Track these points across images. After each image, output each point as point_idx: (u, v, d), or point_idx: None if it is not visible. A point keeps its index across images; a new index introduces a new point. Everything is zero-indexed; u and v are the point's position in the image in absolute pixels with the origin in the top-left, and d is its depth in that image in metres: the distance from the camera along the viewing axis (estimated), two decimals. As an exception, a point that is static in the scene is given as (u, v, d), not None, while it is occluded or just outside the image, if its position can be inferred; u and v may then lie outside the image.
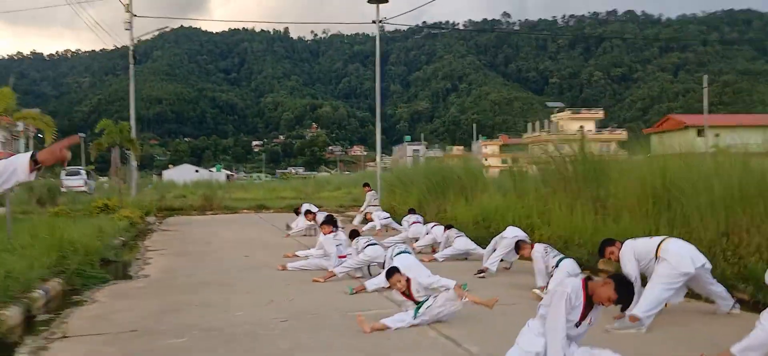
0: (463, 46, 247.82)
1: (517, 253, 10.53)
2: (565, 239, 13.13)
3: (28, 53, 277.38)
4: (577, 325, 5.67)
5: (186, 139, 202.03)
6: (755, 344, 5.67)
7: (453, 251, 13.24)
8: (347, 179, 70.26)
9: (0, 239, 12.01)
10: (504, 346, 5.78)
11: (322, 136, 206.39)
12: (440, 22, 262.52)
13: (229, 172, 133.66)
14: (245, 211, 32.90)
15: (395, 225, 19.28)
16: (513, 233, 11.08)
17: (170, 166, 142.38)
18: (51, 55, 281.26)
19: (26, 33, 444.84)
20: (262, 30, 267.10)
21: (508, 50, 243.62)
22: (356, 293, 9.59)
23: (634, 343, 6.84)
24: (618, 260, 8.27)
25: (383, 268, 10.20)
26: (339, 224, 13.25)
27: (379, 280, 9.75)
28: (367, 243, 11.11)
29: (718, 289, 7.98)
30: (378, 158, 31.93)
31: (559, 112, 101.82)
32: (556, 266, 9.49)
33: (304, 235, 19.07)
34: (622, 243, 8.23)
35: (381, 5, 29.07)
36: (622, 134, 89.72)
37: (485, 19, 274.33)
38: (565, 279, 6.03)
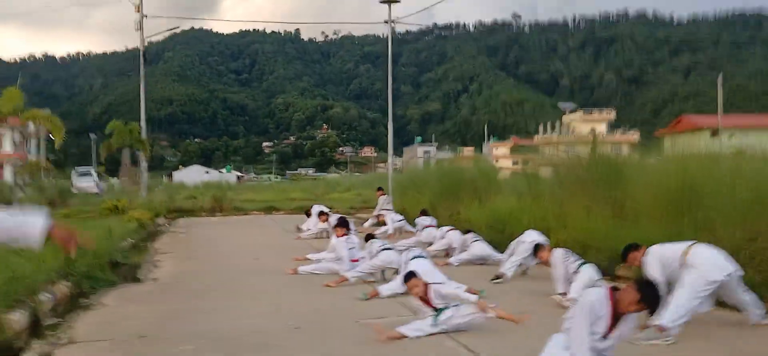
0: (474, 47, 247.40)
1: (536, 257, 10.19)
2: (583, 243, 12.77)
3: (40, 55, 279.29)
4: (605, 338, 5.40)
5: (196, 140, 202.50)
6: None
7: (469, 256, 12.92)
8: (358, 180, 70.15)
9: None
10: (526, 358, 5.50)
11: (333, 137, 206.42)
12: (451, 24, 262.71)
13: (239, 173, 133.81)
14: (255, 213, 32.69)
15: (409, 228, 19.00)
16: (532, 238, 10.77)
17: (181, 167, 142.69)
18: (63, 57, 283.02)
19: (38, 35, 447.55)
20: (273, 31, 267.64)
21: (519, 51, 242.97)
22: (370, 298, 9.33)
23: (661, 355, 6.55)
24: (641, 266, 7.97)
25: (397, 273, 9.93)
26: (351, 226, 12.99)
27: (394, 286, 9.50)
28: (382, 248, 10.83)
29: (749, 298, 7.65)
30: (390, 160, 31.65)
31: (570, 113, 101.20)
32: (577, 271, 9.20)
33: (316, 237, 18.83)
34: (646, 248, 7.92)
35: (392, 5, 28.87)
36: (634, 136, 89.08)
37: (496, 21, 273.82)
38: (589, 289, 5.73)
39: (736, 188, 10.63)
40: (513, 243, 11.28)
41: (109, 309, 9.32)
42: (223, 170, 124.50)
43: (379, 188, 24.21)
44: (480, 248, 13.00)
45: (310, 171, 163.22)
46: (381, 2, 28.25)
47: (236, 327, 7.99)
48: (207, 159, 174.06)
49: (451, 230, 14.41)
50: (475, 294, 9.19)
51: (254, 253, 15.70)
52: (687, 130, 70.68)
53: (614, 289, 5.49)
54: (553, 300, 9.02)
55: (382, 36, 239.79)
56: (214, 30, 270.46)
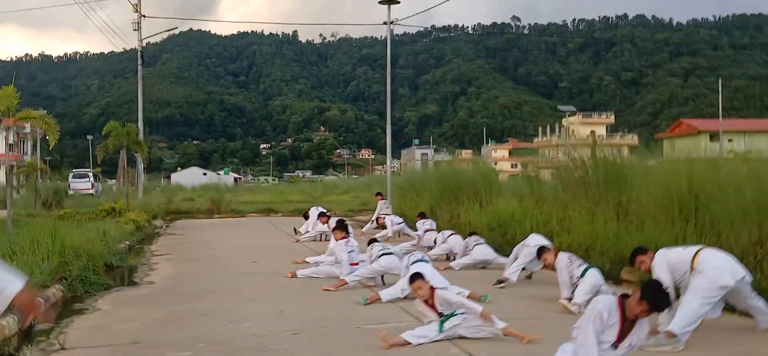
0: (473, 49, 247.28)
1: (540, 259, 9.97)
2: (586, 246, 12.60)
3: (37, 55, 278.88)
4: (615, 347, 5.21)
5: (194, 142, 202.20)
6: None
7: (471, 260, 12.68)
8: (355, 182, 69.98)
9: (0, 244, 11.59)
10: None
11: (330, 139, 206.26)
12: (449, 26, 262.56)
13: (237, 175, 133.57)
14: (253, 215, 32.53)
15: (408, 231, 18.79)
16: (536, 242, 10.56)
17: (179, 169, 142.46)
18: (59, 57, 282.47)
19: (35, 35, 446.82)
20: (271, 33, 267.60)
21: (518, 54, 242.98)
22: (370, 303, 9.11)
23: (672, 362, 6.37)
24: (649, 271, 7.77)
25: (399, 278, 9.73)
26: (350, 229, 12.78)
27: (394, 290, 9.30)
28: (382, 252, 10.59)
29: (759, 303, 7.46)
30: (388, 162, 31.46)
31: (570, 116, 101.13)
32: (582, 276, 9.01)
33: (314, 240, 18.64)
34: (654, 252, 7.73)
35: (391, 7, 28.67)
36: (633, 139, 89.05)
37: (495, 23, 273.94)
38: (598, 296, 5.53)
39: (742, 191, 10.46)
40: (517, 247, 11.06)
41: (103, 313, 9.11)
42: (221, 172, 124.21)
43: (378, 194, 24.00)
44: (482, 251, 12.76)
45: (308, 173, 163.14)
46: (380, 3, 28.05)
47: (234, 331, 7.78)
48: (205, 161, 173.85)
49: (452, 234, 14.17)
50: (477, 299, 9.04)
51: (252, 255, 15.48)
52: (686, 133, 70.68)
53: (624, 297, 5.31)
54: (559, 305, 8.79)
55: (380, 38, 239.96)
56: (212, 32, 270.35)
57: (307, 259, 13.79)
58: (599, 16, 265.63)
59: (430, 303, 7.15)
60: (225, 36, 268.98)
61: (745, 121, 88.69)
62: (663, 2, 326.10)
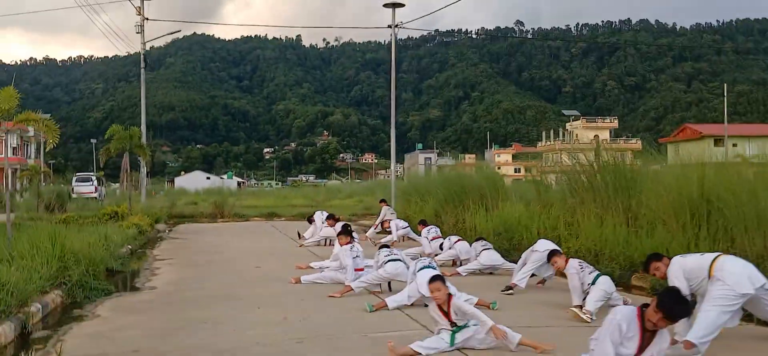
0: (476, 54, 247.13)
1: (550, 263, 9.70)
2: (596, 252, 12.39)
3: (42, 59, 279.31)
4: (636, 358, 4.99)
5: (198, 146, 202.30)
6: None
7: (477, 266, 12.43)
8: (359, 187, 69.76)
9: (-1, 248, 11.39)
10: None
11: (334, 143, 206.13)
12: (453, 30, 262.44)
13: (240, 179, 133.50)
14: (256, 219, 32.36)
15: (414, 235, 18.53)
16: (545, 247, 10.31)
17: (182, 173, 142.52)
18: (64, 61, 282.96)
19: (39, 39, 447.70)
20: (275, 37, 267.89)
21: (521, 59, 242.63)
22: (376, 310, 8.89)
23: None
24: (664, 277, 7.54)
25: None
26: (355, 235, 12.54)
27: (401, 297, 9.08)
28: (388, 258, 10.33)
29: (779, 312, 7.23)
30: (392, 167, 31.25)
31: (573, 120, 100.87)
32: (593, 283, 8.78)
33: (318, 244, 18.42)
34: (669, 259, 7.50)
35: (396, 10, 28.50)
36: (637, 144, 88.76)
37: (498, 28, 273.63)
38: (617, 307, 5.29)
39: (757, 196, 10.24)
40: (525, 253, 10.82)
41: (102, 320, 8.90)
42: (225, 176, 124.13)
43: (382, 200, 23.72)
44: (489, 256, 12.50)
45: (311, 178, 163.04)
46: (384, 6, 27.87)
47: (237, 339, 7.56)
48: (208, 165, 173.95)
49: (459, 240, 13.89)
50: (486, 306, 8.82)
51: (256, 260, 15.28)
52: (690, 138, 70.41)
53: (643, 307, 5.09)
54: (569, 312, 8.55)
55: (383, 43, 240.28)
56: (216, 36, 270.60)
57: (311, 264, 13.58)
58: (602, 21, 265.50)
59: (445, 309, 6.86)
60: (228, 40, 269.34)
61: (749, 126, 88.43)
62: (666, 7, 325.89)
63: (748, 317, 7.71)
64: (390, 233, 19.31)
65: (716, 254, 7.33)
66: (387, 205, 23.05)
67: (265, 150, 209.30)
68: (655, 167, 15.26)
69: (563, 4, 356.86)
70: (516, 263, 11.54)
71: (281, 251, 17.52)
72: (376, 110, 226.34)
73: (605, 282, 8.84)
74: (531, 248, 10.77)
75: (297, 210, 34.81)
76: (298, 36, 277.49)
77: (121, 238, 17.28)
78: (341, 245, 11.50)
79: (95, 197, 45.68)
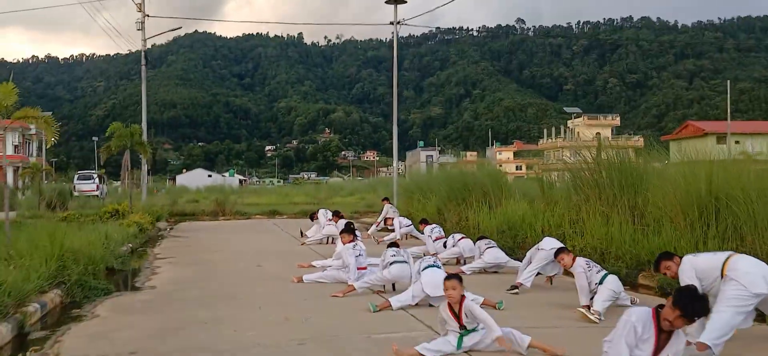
0: (477, 52, 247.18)
1: (556, 260, 9.50)
2: (601, 250, 12.22)
3: (43, 57, 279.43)
4: (652, 361, 4.82)
5: (199, 143, 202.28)
6: None
7: (482, 264, 12.26)
8: (360, 184, 69.68)
9: (-3, 247, 11.22)
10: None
11: (335, 141, 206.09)
12: (454, 28, 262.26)
13: (242, 177, 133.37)
14: (258, 216, 32.22)
15: (417, 234, 18.35)
16: (551, 245, 10.13)
17: (184, 170, 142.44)
18: (66, 59, 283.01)
19: (41, 37, 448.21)
20: (276, 35, 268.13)
21: (523, 56, 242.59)
22: (380, 310, 8.72)
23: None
24: (675, 277, 7.37)
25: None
26: (358, 233, 12.36)
27: (405, 297, 8.91)
28: (394, 260, 10.09)
29: (793, 312, 7.05)
30: (395, 164, 31.08)
31: (575, 118, 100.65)
32: (600, 282, 8.61)
33: (320, 242, 18.26)
34: (681, 258, 7.32)
35: (398, 7, 28.33)
36: (638, 141, 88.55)
37: (499, 25, 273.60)
38: (631, 308, 5.10)
39: (767, 193, 10.07)
40: (531, 251, 10.63)
41: (101, 320, 8.74)
42: (226, 174, 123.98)
43: (385, 198, 23.53)
44: (494, 255, 12.31)
45: (313, 175, 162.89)
46: (387, 2, 27.69)
47: (237, 340, 7.40)
48: (210, 163, 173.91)
49: (463, 238, 13.70)
50: (492, 306, 8.65)
51: (257, 259, 15.11)
52: (693, 135, 70.21)
53: (659, 308, 4.92)
54: (577, 312, 8.37)
55: (384, 40, 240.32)
56: (217, 34, 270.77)
57: (313, 263, 13.42)
58: (604, 19, 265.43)
59: (456, 310, 6.65)
60: (230, 38, 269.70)
61: (751, 123, 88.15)
62: (668, 5, 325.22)
63: (760, 317, 7.54)
64: (393, 230, 19.17)
65: (729, 253, 7.16)
66: (390, 203, 22.90)
67: (267, 148, 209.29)
68: (656, 165, 15.10)
69: (564, 1, 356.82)
70: (521, 261, 11.38)
71: (283, 249, 17.36)
72: (378, 108, 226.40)
73: (613, 282, 8.67)
74: (536, 246, 10.60)
75: (299, 208, 34.66)
76: (300, 34, 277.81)
77: (121, 236, 17.12)
78: (344, 244, 11.34)
79: (97, 195, 45.60)
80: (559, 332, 7.65)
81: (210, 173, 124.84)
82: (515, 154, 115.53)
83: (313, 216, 20.72)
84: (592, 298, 8.53)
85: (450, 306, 6.63)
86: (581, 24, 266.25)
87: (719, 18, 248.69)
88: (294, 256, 15.16)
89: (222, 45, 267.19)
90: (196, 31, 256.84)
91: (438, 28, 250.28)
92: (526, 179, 31.63)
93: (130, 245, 17.48)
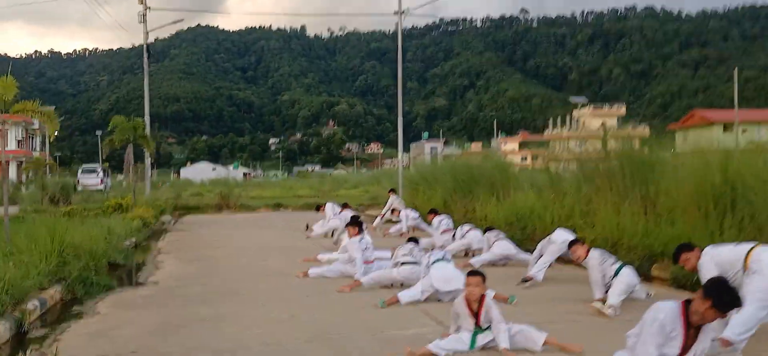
0: (481, 42, 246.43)
1: (570, 252, 9.14)
2: (613, 241, 11.95)
3: (46, 52, 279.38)
4: (679, 358, 4.57)
5: (203, 137, 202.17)
6: None
7: (491, 257, 11.99)
8: (365, 176, 69.40)
9: (-3, 244, 11.01)
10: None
11: (339, 133, 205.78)
12: (457, 19, 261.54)
13: (246, 170, 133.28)
14: (262, 210, 32.01)
15: (424, 227, 18.09)
16: (563, 237, 9.88)
17: (188, 164, 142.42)
18: (68, 53, 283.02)
19: (43, 32, 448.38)
20: (279, 28, 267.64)
21: (527, 46, 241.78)
22: (388, 306, 8.47)
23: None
24: (694, 270, 7.11)
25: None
26: (364, 226, 12.08)
27: (414, 292, 8.66)
28: (405, 260, 9.76)
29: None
30: (400, 155, 30.81)
31: (581, 107, 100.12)
32: (615, 275, 8.35)
33: (325, 235, 18.01)
34: (701, 250, 7.06)
35: (402, -5, 28.05)
36: (644, 131, 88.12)
37: (503, 16, 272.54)
38: (659, 304, 4.83)
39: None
40: (542, 243, 10.38)
41: (102, 317, 8.51)
42: (231, 167, 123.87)
43: (391, 190, 23.24)
44: (503, 247, 12.05)
45: (317, 168, 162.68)
46: (391, -8, 27.38)
47: (242, 339, 7.17)
48: (214, 156, 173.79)
49: (471, 229, 13.42)
50: (504, 300, 8.41)
51: (261, 254, 14.90)
52: (699, 124, 69.78)
53: (687, 302, 4.65)
54: (592, 308, 8.10)
55: (387, 32, 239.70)
56: (220, 27, 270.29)
57: (319, 256, 13.19)
58: (608, 8, 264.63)
59: (474, 308, 6.37)
60: (233, 31, 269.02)
61: (758, 111, 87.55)
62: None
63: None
64: (399, 222, 18.92)
65: (751, 244, 6.87)
66: (395, 194, 22.60)
67: (271, 141, 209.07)
68: (667, 154, 14.84)
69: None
70: (530, 253, 11.14)
71: (288, 243, 17.11)
72: (381, 100, 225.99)
73: (628, 274, 8.41)
74: (547, 238, 10.35)
75: (303, 201, 34.46)
76: (303, 26, 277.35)
77: (124, 231, 16.92)
78: (350, 237, 11.09)
79: (101, 189, 45.41)
80: (573, 327, 7.40)
81: (214, 166, 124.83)
82: (520, 145, 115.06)
83: (319, 208, 20.50)
84: (607, 291, 8.28)
85: (468, 302, 6.36)
86: (585, 14, 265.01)
87: (724, 6, 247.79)
88: (298, 251, 14.91)
89: (225, 38, 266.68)
90: (198, 24, 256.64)
91: (441, 18, 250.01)
92: (531, 170, 31.33)
93: (134, 239, 17.28)
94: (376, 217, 22.18)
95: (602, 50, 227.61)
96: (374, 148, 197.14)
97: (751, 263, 6.54)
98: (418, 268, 9.53)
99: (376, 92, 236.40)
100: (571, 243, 9.06)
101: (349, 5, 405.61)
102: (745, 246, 6.80)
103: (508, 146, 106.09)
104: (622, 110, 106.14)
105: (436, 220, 15.21)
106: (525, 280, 9.98)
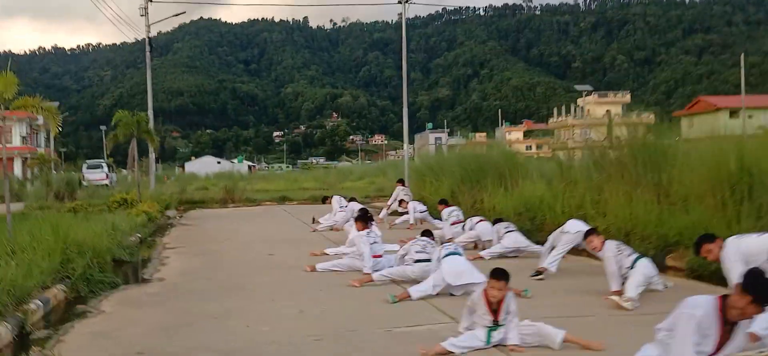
0: (484, 31, 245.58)
1: (585, 243, 8.88)
2: (626, 231, 11.73)
3: (50, 48, 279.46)
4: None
5: (208, 131, 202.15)
6: None
7: (502, 249, 11.74)
8: (370, 168, 69.26)
9: (-1, 242, 10.81)
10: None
11: (343, 125, 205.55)
12: (460, 8, 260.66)
13: (250, 163, 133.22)
14: (268, 203, 31.85)
15: (431, 220, 17.83)
16: (576, 228, 9.65)
17: (193, 158, 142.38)
18: (72, 49, 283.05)
19: (47, 28, 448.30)
20: (281, 20, 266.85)
21: (530, 35, 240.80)
22: (399, 301, 8.25)
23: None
24: (717, 260, 6.89)
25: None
26: (373, 219, 11.85)
27: (426, 287, 8.43)
28: (419, 257, 9.41)
29: None
30: (405, 146, 30.61)
31: (586, 95, 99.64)
32: (631, 267, 8.12)
33: (331, 228, 17.82)
34: (723, 240, 6.83)
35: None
36: (648, 118, 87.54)
37: (506, 4, 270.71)
38: (694, 299, 4.58)
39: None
40: (554, 234, 10.14)
41: (106, 316, 8.32)
42: (235, 161, 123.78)
43: (400, 180, 22.88)
44: (514, 239, 11.81)
45: (321, 160, 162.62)
46: (394, -19, 27.14)
47: (250, 337, 6.97)
48: (218, 150, 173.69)
49: (481, 221, 13.16)
50: (518, 294, 8.18)
51: (268, 247, 14.70)
52: (704, 111, 69.37)
53: (724, 297, 4.41)
54: (609, 301, 7.86)
55: (390, 22, 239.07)
56: (222, 20, 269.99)
57: (326, 250, 13.00)
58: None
59: (495, 306, 6.12)
60: (235, 24, 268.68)
61: (763, 96, 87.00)
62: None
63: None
64: (407, 214, 18.68)
65: (777, 233, 6.66)
66: (404, 185, 22.15)
67: (275, 133, 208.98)
68: (680, 141, 14.61)
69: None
70: (542, 245, 10.91)
71: (294, 237, 16.94)
72: (385, 91, 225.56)
73: (646, 266, 8.19)
74: (560, 229, 10.11)
75: (308, 193, 34.27)
76: (305, 17, 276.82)
77: (129, 226, 16.76)
78: (358, 231, 10.87)
79: (106, 184, 45.31)
80: (590, 321, 7.20)
81: (219, 160, 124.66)
82: (525, 134, 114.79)
83: (325, 200, 20.27)
84: (623, 284, 8.06)
85: (487, 297, 6.12)
86: (588, 1, 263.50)
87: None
88: (305, 244, 14.73)
89: (227, 31, 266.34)
90: (201, 17, 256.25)
91: (444, 8, 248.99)
92: (537, 158, 31.10)
93: (139, 235, 17.12)
94: (382, 209, 21.94)
95: (606, 38, 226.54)
96: (378, 139, 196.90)
97: (777, 253, 6.32)
98: (430, 266, 9.23)
99: (379, 83, 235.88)
100: (587, 233, 8.82)
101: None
102: (769, 235, 6.58)
103: (513, 135, 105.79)
104: (627, 97, 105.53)
105: (445, 211, 14.93)
106: (538, 272, 9.75)
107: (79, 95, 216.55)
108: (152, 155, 33.61)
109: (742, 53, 66.49)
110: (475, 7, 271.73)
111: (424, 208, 18.63)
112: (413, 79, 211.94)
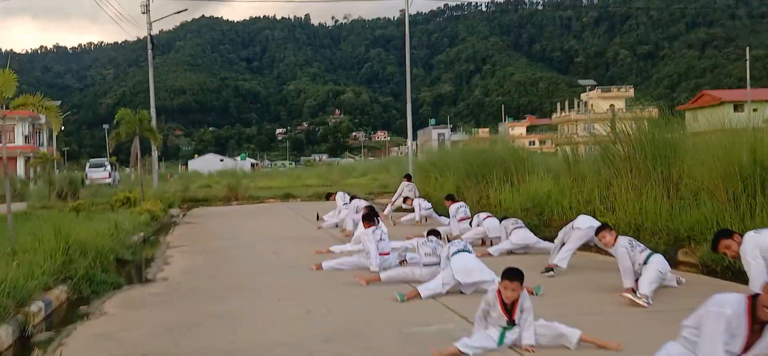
0: (487, 27, 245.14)
1: (597, 238, 8.67)
2: (636, 226, 11.55)
3: (52, 47, 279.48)
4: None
5: (210, 128, 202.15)
6: None
7: (510, 246, 11.56)
8: (373, 164, 69.07)
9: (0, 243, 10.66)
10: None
11: (345, 122, 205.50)
12: (462, 4, 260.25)
13: (253, 161, 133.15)
14: (271, 200, 31.69)
15: (437, 218, 17.62)
16: (587, 224, 9.48)
17: (195, 156, 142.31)
18: (74, 48, 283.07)
19: (48, 27, 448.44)
20: (283, 17, 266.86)
21: (532, 30, 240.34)
22: (408, 300, 8.08)
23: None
24: (736, 256, 6.72)
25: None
26: (379, 217, 11.69)
27: (435, 285, 8.26)
28: (429, 260, 9.15)
29: None
30: (409, 142, 30.43)
31: (589, 90, 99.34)
32: (645, 263, 7.95)
33: (336, 226, 17.65)
34: (741, 235, 6.66)
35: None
36: (652, 112, 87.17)
37: (508, 0, 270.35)
38: (723, 297, 4.38)
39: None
40: (564, 230, 9.95)
41: (109, 317, 8.16)
42: (238, 158, 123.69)
43: (407, 175, 22.57)
44: (522, 235, 11.63)
45: (324, 157, 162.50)
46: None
47: (257, 338, 6.81)
48: (221, 147, 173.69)
49: (488, 217, 12.95)
50: (529, 291, 8.01)
51: (272, 245, 14.53)
52: (709, 104, 69.10)
53: (754, 297, 4.24)
54: (623, 298, 7.67)
55: (392, 19, 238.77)
56: (224, 18, 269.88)
57: (332, 248, 12.83)
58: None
59: (509, 305, 5.96)
60: (237, 21, 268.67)
61: (767, 90, 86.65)
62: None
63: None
64: (411, 210, 18.50)
65: (797, 228, 6.49)
66: (410, 180, 21.71)
67: (278, 131, 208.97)
68: (690, 135, 14.43)
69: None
70: (550, 241, 10.74)
71: (298, 234, 16.77)
72: (387, 88, 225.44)
73: (659, 262, 8.02)
74: (570, 225, 9.92)
75: (312, 190, 34.12)
76: (307, 15, 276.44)
77: (132, 225, 16.60)
78: (365, 229, 10.69)
79: (109, 183, 45.20)
80: (605, 319, 7.02)
81: (222, 157, 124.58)
82: (528, 129, 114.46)
83: (329, 196, 20.09)
84: (637, 280, 7.89)
85: (501, 298, 5.94)
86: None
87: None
88: (310, 242, 14.56)
89: (229, 29, 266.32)
90: (203, 15, 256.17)
91: (446, 4, 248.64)
92: (541, 153, 30.86)
93: (142, 233, 16.98)
94: (386, 205, 21.72)
95: (608, 32, 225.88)
96: (381, 136, 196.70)
97: (798, 248, 6.15)
98: (439, 268, 9.00)
99: (381, 80, 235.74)
100: (599, 229, 8.64)
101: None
102: (791, 230, 6.41)
103: (516, 131, 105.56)
104: (631, 91, 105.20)
105: (453, 207, 14.72)
106: (549, 269, 9.59)
107: (82, 93, 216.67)
108: (155, 154, 33.46)
109: (747, 47, 66.08)
110: (477, 3, 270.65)
111: (429, 205, 18.41)
112: (415, 75, 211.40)
